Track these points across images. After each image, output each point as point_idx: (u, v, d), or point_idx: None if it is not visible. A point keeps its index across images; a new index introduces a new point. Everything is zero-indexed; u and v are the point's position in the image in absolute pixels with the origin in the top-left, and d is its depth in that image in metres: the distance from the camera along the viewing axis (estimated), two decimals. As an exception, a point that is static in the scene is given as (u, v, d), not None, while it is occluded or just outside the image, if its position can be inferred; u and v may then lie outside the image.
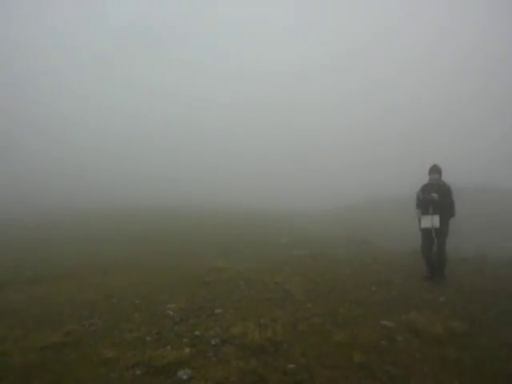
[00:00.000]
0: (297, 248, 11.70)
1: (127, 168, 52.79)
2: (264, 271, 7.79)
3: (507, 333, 4.85)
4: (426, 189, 7.16)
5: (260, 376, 3.61)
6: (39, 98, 64.79)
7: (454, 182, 7.73)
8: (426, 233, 7.09)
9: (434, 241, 7.07)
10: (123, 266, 8.72)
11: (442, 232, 6.96)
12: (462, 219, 8.68)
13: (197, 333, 4.57)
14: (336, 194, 41.07)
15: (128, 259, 9.75)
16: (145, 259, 9.80)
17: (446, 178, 7.30)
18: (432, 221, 6.94)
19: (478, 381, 3.64)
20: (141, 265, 8.93)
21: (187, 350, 4.10)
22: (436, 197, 6.87)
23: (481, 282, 7.61)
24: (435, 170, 7.12)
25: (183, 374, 3.62)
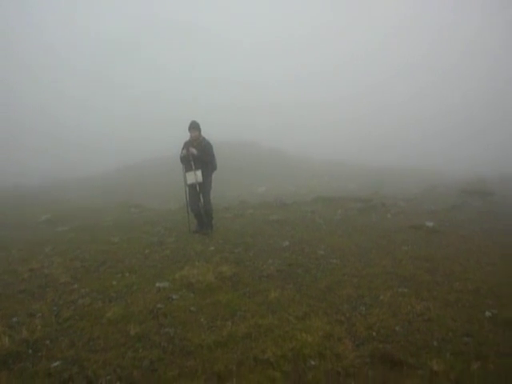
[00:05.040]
0: (60, 224, 10.32)
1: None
2: (15, 258, 6.46)
3: (264, 267, 5.55)
4: (186, 145, 7.29)
5: (14, 390, 2.90)
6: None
7: (213, 136, 8.14)
8: (192, 188, 7.31)
9: (199, 195, 7.36)
10: None
11: (205, 186, 7.31)
12: (224, 171, 9.42)
13: None
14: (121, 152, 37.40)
15: None
16: None
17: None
18: (196, 176, 7.17)
19: (246, 316, 3.97)
20: None
21: None
22: (195, 152, 7.10)
23: (242, 225, 8.53)
24: (194, 126, 7.29)
25: None
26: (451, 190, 15.37)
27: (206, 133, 7.60)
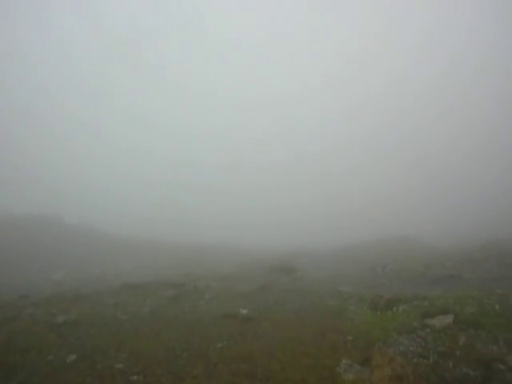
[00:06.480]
0: None
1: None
2: None
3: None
4: None
5: None
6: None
7: None
8: None
9: None
10: None
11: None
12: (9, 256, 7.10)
13: None
14: None
15: None
16: None
17: None
18: None
19: None
20: None
21: None
22: None
23: (12, 335, 6.31)
24: None
25: None
26: (260, 268, 15.97)
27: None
